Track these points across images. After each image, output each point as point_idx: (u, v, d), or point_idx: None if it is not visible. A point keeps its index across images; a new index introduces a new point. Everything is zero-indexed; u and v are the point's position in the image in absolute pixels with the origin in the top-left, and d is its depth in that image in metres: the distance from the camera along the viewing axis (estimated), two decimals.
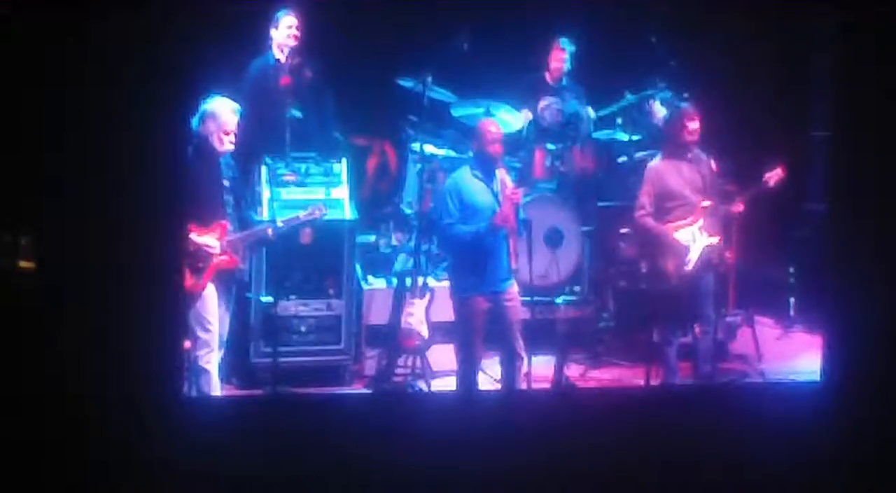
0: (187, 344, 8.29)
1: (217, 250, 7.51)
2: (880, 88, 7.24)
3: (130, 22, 6.53)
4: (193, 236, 7.46)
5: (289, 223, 7.81)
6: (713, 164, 8.36)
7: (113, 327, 6.58)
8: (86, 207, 6.58)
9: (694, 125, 8.18)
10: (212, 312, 7.55)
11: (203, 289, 7.50)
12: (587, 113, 9.74)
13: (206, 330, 7.54)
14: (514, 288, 7.79)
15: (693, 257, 8.17)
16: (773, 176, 8.28)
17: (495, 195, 7.72)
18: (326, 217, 7.98)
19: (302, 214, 7.84)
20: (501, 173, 7.84)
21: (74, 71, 6.54)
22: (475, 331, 7.78)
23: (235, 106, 7.66)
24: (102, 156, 6.58)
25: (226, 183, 7.62)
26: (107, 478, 6.38)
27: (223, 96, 7.74)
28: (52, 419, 6.46)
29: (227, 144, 7.60)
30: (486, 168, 7.77)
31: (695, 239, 8.18)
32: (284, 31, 8.74)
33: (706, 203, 8.20)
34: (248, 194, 7.95)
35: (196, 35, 6.89)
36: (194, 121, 7.60)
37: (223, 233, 7.56)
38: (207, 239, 7.49)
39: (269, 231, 7.74)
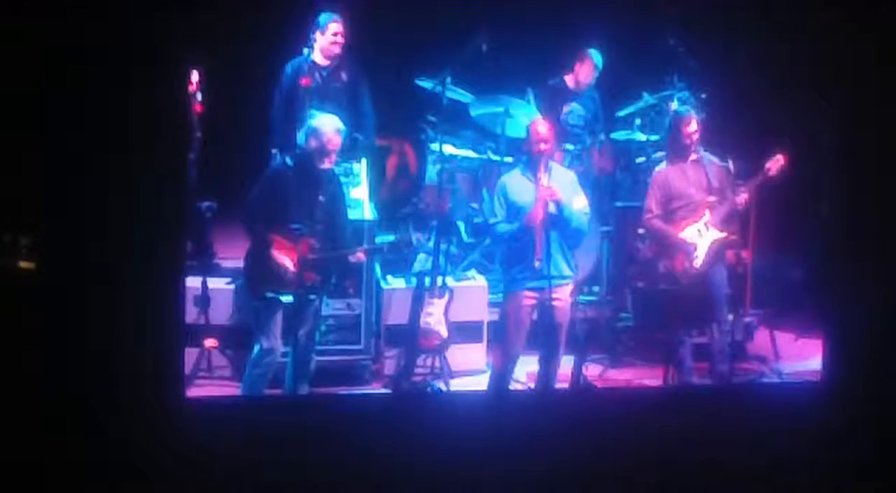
0: (209, 343, 8.42)
1: (292, 270, 7.62)
2: (880, 88, 7.27)
3: (131, 21, 6.54)
4: (274, 253, 7.60)
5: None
6: (731, 165, 8.37)
7: (113, 327, 6.58)
8: (86, 207, 6.59)
9: (691, 128, 8.20)
10: (277, 322, 7.71)
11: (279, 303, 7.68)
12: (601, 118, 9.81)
13: (269, 340, 7.72)
14: (566, 288, 7.79)
15: (701, 254, 8.19)
16: (774, 164, 8.27)
17: None
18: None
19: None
20: (543, 172, 7.71)
21: (74, 71, 6.54)
22: (515, 327, 7.80)
23: (340, 125, 7.80)
24: (103, 156, 6.59)
25: (321, 198, 7.71)
26: (107, 478, 6.42)
27: (327, 114, 7.93)
28: (52, 418, 6.48)
29: (327, 163, 7.73)
30: (534, 167, 7.74)
31: (701, 235, 8.20)
32: (330, 38, 8.77)
33: (711, 198, 8.22)
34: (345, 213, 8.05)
35: (196, 33, 6.92)
36: (300, 136, 7.78)
37: (306, 250, 7.65)
38: (285, 259, 7.61)
39: (361, 255, 7.93)
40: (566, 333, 7.87)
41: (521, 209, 7.70)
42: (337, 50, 8.77)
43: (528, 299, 7.75)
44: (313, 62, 8.80)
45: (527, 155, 7.85)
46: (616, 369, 8.95)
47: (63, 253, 6.64)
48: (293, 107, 8.71)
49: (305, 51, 8.80)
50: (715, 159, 8.31)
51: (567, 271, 7.80)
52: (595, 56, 9.70)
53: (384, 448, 6.62)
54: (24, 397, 6.48)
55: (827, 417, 6.99)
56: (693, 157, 8.25)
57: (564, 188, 7.75)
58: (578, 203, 7.79)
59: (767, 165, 8.27)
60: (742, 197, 8.28)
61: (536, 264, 7.65)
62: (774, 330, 9.16)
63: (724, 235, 8.25)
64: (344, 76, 8.79)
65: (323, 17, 8.75)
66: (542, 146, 7.73)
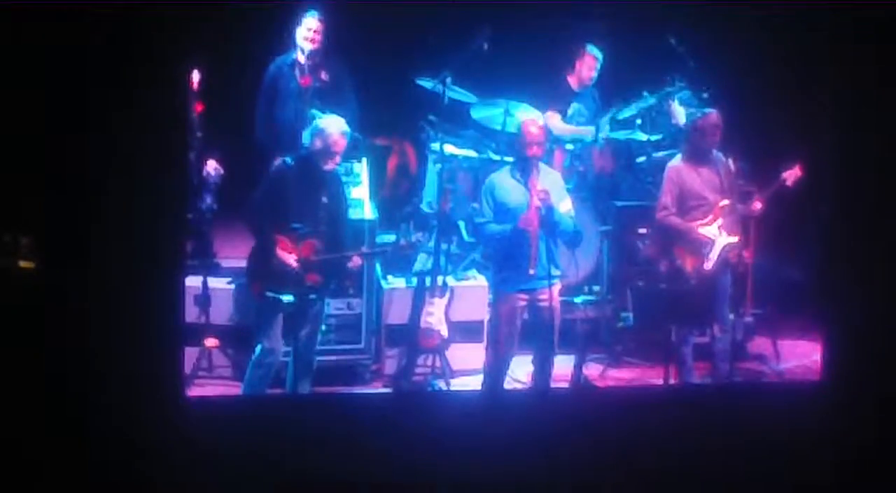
0: (210, 343, 8.43)
1: (295, 270, 7.63)
2: (880, 87, 7.27)
3: (131, 21, 6.54)
4: (279, 252, 7.62)
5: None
6: (731, 164, 8.39)
7: (113, 327, 6.59)
8: (86, 207, 6.59)
9: (717, 135, 8.21)
10: (279, 322, 7.73)
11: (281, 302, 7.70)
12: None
13: (271, 340, 7.75)
14: (554, 289, 7.78)
15: (713, 257, 8.19)
16: (791, 175, 8.33)
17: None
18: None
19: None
20: (534, 176, 7.72)
21: (74, 71, 6.54)
22: (507, 327, 7.80)
23: (346, 127, 7.80)
24: (102, 156, 6.58)
25: (325, 200, 7.72)
26: (107, 478, 6.42)
27: (335, 114, 7.93)
28: (52, 419, 6.49)
29: (331, 164, 7.75)
30: (525, 169, 7.74)
31: (714, 238, 8.22)
32: (304, 33, 8.75)
33: (724, 202, 8.23)
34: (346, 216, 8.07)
35: (195, 33, 6.92)
36: (305, 135, 7.80)
37: (309, 251, 7.66)
38: (289, 259, 7.62)
39: (359, 259, 7.97)
40: (559, 332, 7.86)
41: (510, 211, 7.70)
42: (310, 46, 8.71)
43: (520, 300, 7.75)
44: (294, 60, 8.77)
45: (517, 154, 7.83)
46: (616, 368, 8.95)
47: (63, 253, 6.64)
48: (275, 105, 8.71)
49: (292, 51, 8.80)
50: (721, 157, 8.32)
51: (556, 272, 7.80)
52: (593, 50, 9.70)
53: (384, 448, 6.63)
54: (24, 397, 6.49)
55: (827, 417, 7.00)
56: (709, 156, 8.24)
57: (552, 191, 7.75)
58: (564, 206, 7.79)
59: (784, 174, 8.30)
60: (756, 205, 8.30)
61: (531, 272, 7.65)
62: (775, 330, 9.15)
63: (735, 239, 8.26)
64: (324, 75, 8.76)
65: (303, 14, 8.74)
66: (535, 149, 7.71)
